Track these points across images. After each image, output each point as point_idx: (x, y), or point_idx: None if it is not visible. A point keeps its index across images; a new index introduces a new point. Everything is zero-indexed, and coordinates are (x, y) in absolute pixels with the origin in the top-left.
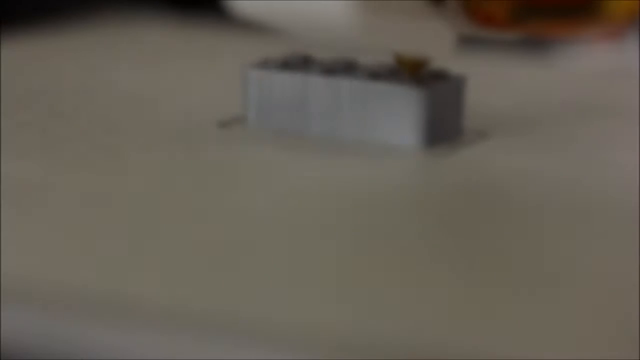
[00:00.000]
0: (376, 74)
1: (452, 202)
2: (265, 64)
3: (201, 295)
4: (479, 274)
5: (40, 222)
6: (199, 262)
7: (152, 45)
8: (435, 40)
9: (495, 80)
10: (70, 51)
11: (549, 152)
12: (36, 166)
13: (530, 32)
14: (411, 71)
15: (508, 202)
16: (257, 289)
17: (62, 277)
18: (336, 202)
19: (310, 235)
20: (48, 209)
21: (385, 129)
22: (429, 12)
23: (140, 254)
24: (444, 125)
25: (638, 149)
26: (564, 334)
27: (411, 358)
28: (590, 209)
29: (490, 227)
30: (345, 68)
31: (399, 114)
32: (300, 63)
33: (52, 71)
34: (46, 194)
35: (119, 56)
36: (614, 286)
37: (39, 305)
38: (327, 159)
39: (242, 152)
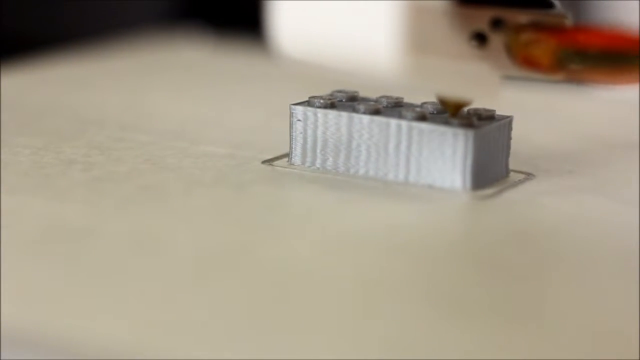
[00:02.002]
0: (423, 115)
1: (500, 247)
2: (311, 102)
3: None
4: (529, 323)
5: (84, 269)
6: (246, 312)
7: (192, 71)
8: (480, 82)
9: (537, 114)
10: (110, 77)
11: (596, 193)
12: (80, 208)
13: (573, 77)
14: (454, 112)
15: (557, 248)
16: (305, 339)
17: (107, 327)
18: (381, 247)
19: (354, 281)
20: (92, 254)
21: (432, 170)
22: (474, 54)
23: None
24: (491, 167)
25: None
26: None
27: None
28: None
29: (540, 273)
30: (393, 108)
31: (446, 155)
32: (347, 101)
33: (92, 100)
34: (90, 239)
35: (159, 82)
36: None
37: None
38: (372, 201)
39: (286, 192)
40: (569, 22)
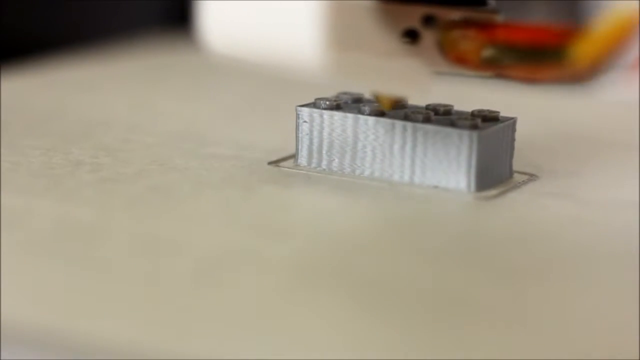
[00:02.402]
0: (428, 116)
1: (503, 248)
2: (317, 103)
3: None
4: (530, 323)
5: (93, 269)
6: (257, 310)
7: (194, 73)
8: (409, 78)
9: (538, 114)
10: (116, 79)
11: (597, 195)
12: (88, 208)
13: (501, 73)
14: (388, 107)
15: (560, 249)
16: (317, 338)
17: (115, 328)
18: (387, 247)
19: (362, 281)
20: (101, 254)
21: (437, 171)
22: (405, 50)
23: (196, 309)
24: (495, 168)
25: None
26: None
27: None
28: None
29: (543, 274)
30: (398, 108)
31: (451, 156)
32: (352, 103)
33: (97, 102)
34: (99, 240)
35: (165, 84)
36: None
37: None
38: (377, 201)
39: (292, 192)
40: (500, 18)
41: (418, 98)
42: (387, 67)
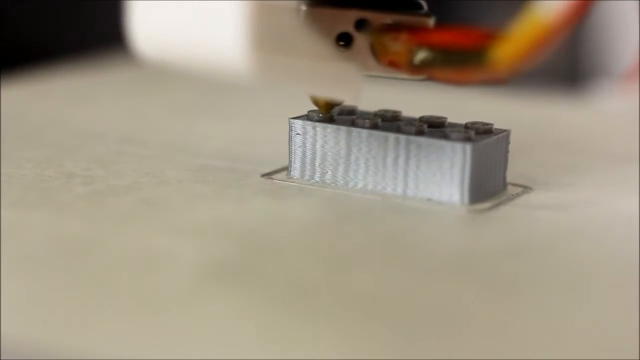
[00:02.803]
0: (421, 129)
1: (496, 261)
2: (310, 115)
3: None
4: (522, 336)
5: (85, 282)
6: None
7: (190, 83)
8: (343, 82)
9: (533, 125)
10: (110, 90)
11: (594, 207)
12: (80, 222)
13: (431, 76)
14: (325, 110)
15: (554, 262)
16: (308, 348)
17: (106, 340)
18: (379, 260)
19: (354, 293)
20: (93, 270)
21: (430, 184)
22: (339, 54)
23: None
24: (489, 181)
25: None
26: None
27: None
28: (635, 272)
29: (536, 287)
30: (391, 121)
31: (444, 169)
32: (345, 115)
33: (92, 113)
34: (91, 253)
35: (159, 95)
36: None
37: None
38: (369, 214)
39: (283, 205)
40: (432, 22)
41: (351, 101)
42: (320, 70)
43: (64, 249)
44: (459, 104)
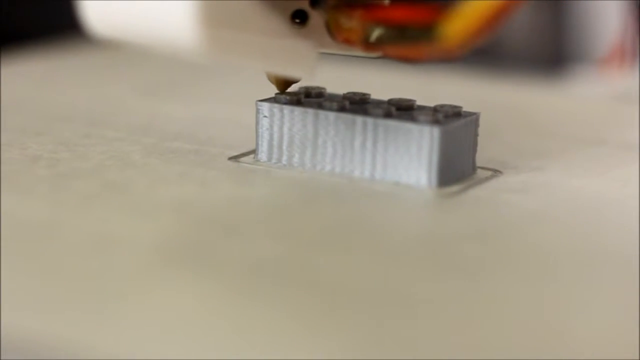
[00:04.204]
0: (389, 111)
1: (461, 245)
2: (278, 98)
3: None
4: (482, 321)
5: (44, 266)
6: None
7: (161, 65)
8: (298, 59)
9: (507, 109)
10: (77, 73)
11: (563, 191)
12: (42, 204)
13: (385, 53)
14: (282, 89)
15: (521, 245)
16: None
17: (66, 330)
18: (345, 244)
19: (319, 279)
20: (54, 253)
21: (398, 167)
22: (294, 31)
23: (148, 308)
24: (457, 164)
25: None
26: None
27: None
28: (601, 255)
29: (497, 272)
30: (359, 104)
31: (412, 152)
32: (313, 97)
33: (59, 95)
34: (52, 236)
35: (128, 77)
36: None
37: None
38: (337, 197)
39: (249, 188)
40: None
41: (306, 79)
42: (274, 47)
43: (25, 232)
44: (431, 86)
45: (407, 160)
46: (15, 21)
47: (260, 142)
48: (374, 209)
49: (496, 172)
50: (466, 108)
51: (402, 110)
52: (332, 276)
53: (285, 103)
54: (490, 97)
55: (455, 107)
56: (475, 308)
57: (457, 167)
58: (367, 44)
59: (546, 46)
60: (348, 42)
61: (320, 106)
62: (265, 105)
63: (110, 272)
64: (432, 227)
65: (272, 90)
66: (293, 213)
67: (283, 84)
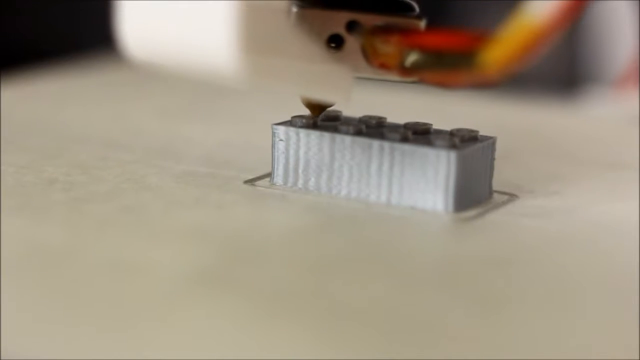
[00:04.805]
0: (406, 136)
1: (481, 271)
2: (294, 121)
3: None
4: (502, 349)
5: (60, 291)
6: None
7: (176, 87)
8: (333, 83)
9: (522, 131)
10: (94, 93)
11: (581, 216)
12: (59, 229)
13: (421, 79)
14: (317, 114)
15: (540, 270)
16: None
17: (80, 355)
18: (361, 269)
19: (335, 304)
20: (70, 277)
21: (414, 192)
22: (330, 56)
23: (169, 328)
24: (474, 188)
25: None
26: None
27: None
28: (623, 282)
29: (518, 298)
30: (375, 128)
31: (428, 177)
32: (329, 121)
33: (75, 116)
34: (68, 261)
35: (144, 98)
36: None
37: None
38: (353, 222)
39: (265, 212)
40: (423, 25)
41: (342, 103)
42: (310, 72)
43: (42, 257)
44: (447, 108)
45: (424, 185)
46: (36, 39)
47: (276, 166)
48: (390, 234)
49: (512, 197)
50: (479, 129)
51: (419, 134)
52: (350, 302)
53: (301, 127)
54: (504, 119)
55: (472, 131)
56: (496, 336)
57: (473, 192)
58: (404, 69)
59: (560, 67)
60: (384, 67)
61: (336, 130)
62: (281, 128)
63: (127, 298)
64: (450, 252)
65: (288, 114)
66: (310, 238)
67: (317, 108)
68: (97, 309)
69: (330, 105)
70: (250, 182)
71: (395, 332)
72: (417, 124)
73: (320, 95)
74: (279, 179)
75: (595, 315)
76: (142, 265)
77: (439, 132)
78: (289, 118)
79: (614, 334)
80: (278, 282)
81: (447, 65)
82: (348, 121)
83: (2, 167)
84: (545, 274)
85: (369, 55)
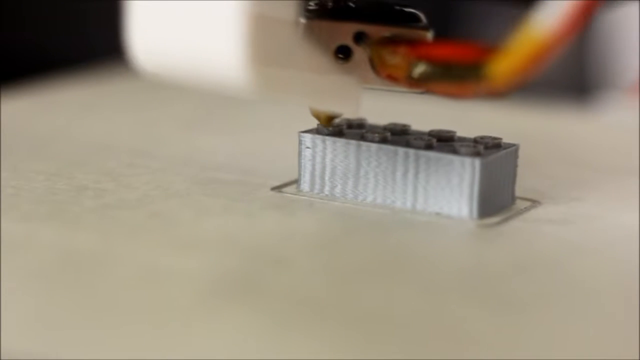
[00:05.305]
0: (431, 143)
1: (507, 277)
2: (320, 129)
3: None
4: (525, 353)
5: (95, 297)
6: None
7: (200, 95)
8: (342, 94)
9: (539, 137)
10: (119, 101)
11: (603, 222)
12: (92, 235)
13: (429, 90)
14: (326, 123)
15: (564, 278)
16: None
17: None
18: (387, 276)
19: (361, 311)
20: (103, 284)
21: (439, 198)
22: (338, 67)
23: (199, 334)
24: (498, 195)
25: None
26: None
27: None
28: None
29: (544, 304)
30: (400, 135)
31: (453, 184)
32: (354, 129)
33: (102, 124)
34: (101, 268)
35: (170, 106)
36: None
37: None
38: (379, 228)
39: (293, 219)
40: (430, 36)
41: (351, 114)
42: (319, 83)
43: (75, 263)
44: (466, 116)
45: (449, 192)
46: (56, 48)
47: (302, 173)
48: (416, 240)
49: (535, 203)
50: (496, 136)
51: (443, 141)
52: (377, 308)
53: (328, 134)
54: (521, 126)
55: (495, 138)
56: (520, 341)
57: (497, 198)
58: (411, 81)
59: (572, 74)
60: (392, 78)
61: (362, 137)
62: (308, 136)
63: (156, 304)
64: (476, 258)
65: (314, 121)
66: (338, 244)
67: (326, 118)
68: (126, 315)
69: (339, 116)
70: (277, 189)
71: (421, 337)
72: (441, 131)
73: (328, 106)
74: (305, 185)
75: (617, 322)
76: (173, 271)
77: (463, 140)
78: (305, 125)
79: (635, 341)
80: (306, 289)
81: (455, 77)
82: (373, 129)
83: (32, 175)
84: (568, 280)
85: (377, 66)
